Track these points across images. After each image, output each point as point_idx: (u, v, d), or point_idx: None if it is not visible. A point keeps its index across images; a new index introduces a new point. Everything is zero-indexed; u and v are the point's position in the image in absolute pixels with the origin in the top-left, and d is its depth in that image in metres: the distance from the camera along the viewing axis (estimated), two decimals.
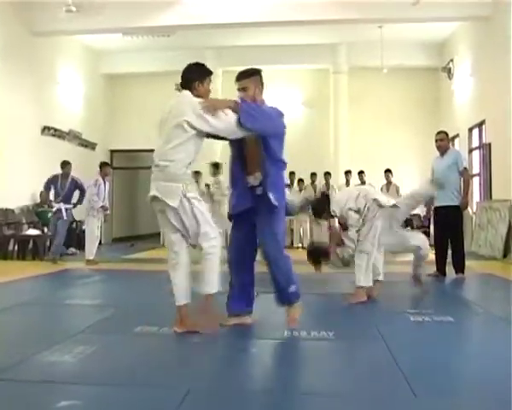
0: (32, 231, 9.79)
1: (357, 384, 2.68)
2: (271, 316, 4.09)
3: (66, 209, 8.96)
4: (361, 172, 12.14)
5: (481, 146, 11.00)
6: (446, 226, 6.79)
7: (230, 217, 4.02)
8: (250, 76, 3.99)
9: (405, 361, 2.97)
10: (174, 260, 3.67)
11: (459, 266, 6.75)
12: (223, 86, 13.97)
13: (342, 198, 5.24)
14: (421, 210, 13.12)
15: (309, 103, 14.37)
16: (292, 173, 13.08)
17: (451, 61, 12.68)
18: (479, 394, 2.56)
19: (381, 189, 11.96)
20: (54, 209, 8.83)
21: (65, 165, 9.07)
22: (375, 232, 4.98)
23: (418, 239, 5.37)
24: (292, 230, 12.90)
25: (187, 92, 3.68)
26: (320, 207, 5.34)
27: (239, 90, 3.93)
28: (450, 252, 6.91)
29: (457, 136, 12.30)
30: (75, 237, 11.17)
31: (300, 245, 12.69)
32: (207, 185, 11.01)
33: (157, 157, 3.60)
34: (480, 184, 11.12)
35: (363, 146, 13.35)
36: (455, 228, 6.77)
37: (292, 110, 14.37)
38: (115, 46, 13.63)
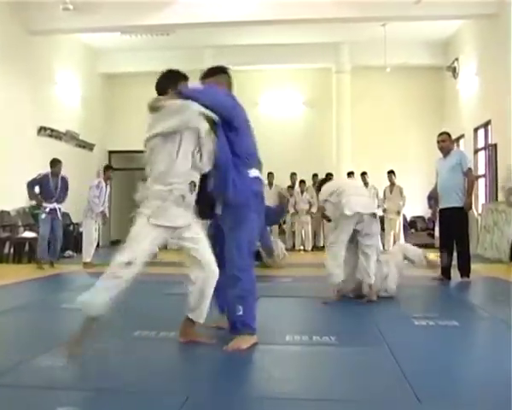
0: (28, 234, 9.60)
1: (360, 390, 2.62)
2: (271, 321, 3.98)
3: (60, 209, 8.80)
4: (364, 174, 11.96)
5: (487, 147, 10.86)
6: (451, 228, 6.68)
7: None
8: (214, 74, 3.67)
9: (409, 366, 2.90)
10: None
11: (464, 270, 6.63)
12: None
13: (326, 189, 5.35)
14: (425, 212, 13.03)
15: (310, 103, 14.20)
16: (293, 174, 12.95)
17: (456, 59, 12.50)
18: (483, 399, 2.49)
19: (385, 191, 11.81)
20: (47, 209, 8.63)
21: (56, 163, 8.78)
22: (339, 233, 5.09)
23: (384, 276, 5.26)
24: (293, 232, 12.75)
25: None
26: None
27: None
28: (455, 255, 6.78)
29: (462, 136, 12.12)
30: (72, 240, 11.00)
31: (302, 248, 12.53)
32: None
33: None
34: (485, 185, 11.00)
35: (366, 146, 13.17)
36: (460, 230, 6.65)
37: (293, 110, 14.26)
38: (113, 45, 13.47)
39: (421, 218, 13.64)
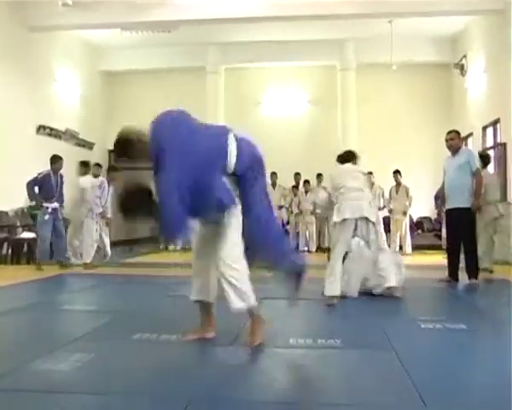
0: (27, 234, 9.44)
1: (365, 394, 2.59)
2: (275, 323, 3.89)
3: (60, 208, 8.69)
4: (369, 173, 11.75)
5: (496, 146, 10.66)
6: (458, 229, 6.55)
7: None
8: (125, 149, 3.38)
9: (416, 370, 2.88)
10: None
11: (472, 272, 6.52)
12: (225, 84, 13.71)
13: (332, 180, 5.74)
14: (432, 213, 12.84)
15: (315, 101, 13.99)
16: (297, 174, 12.76)
17: (464, 56, 12.27)
18: (491, 403, 2.47)
19: (390, 191, 11.63)
20: (49, 210, 8.49)
21: (56, 160, 8.63)
22: (335, 243, 5.34)
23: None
24: (297, 233, 12.58)
25: None
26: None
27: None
28: (462, 257, 6.67)
29: (471, 135, 11.90)
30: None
31: (306, 249, 12.35)
32: None
33: None
34: None
35: (372, 146, 12.93)
36: (467, 231, 6.53)
37: (297, 109, 14.07)
38: (114, 42, 13.26)
39: (428, 218, 13.43)
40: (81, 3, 10.20)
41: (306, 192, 12.46)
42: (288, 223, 12.60)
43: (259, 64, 13.75)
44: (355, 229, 5.22)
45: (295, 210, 12.47)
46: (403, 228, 11.57)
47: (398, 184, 11.55)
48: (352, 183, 5.38)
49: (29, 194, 8.49)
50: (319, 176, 12.49)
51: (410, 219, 12.36)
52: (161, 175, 3.10)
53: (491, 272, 7.13)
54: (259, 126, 13.56)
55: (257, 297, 3.34)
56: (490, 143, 11.16)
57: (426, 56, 12.95)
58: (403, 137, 13.28)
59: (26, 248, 9.43)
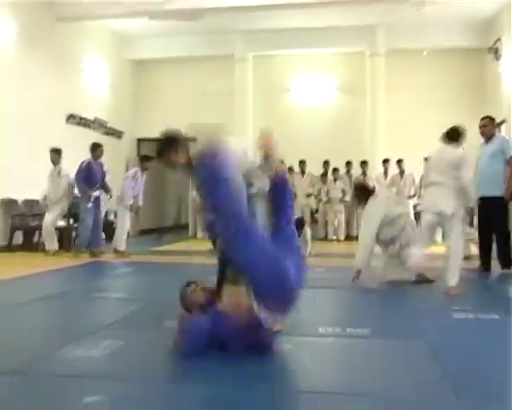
0: (59, 223, 9.58)
1: (395, 385, 2.56)
2: (303, 312, 3.82)
3: (102, 197, 8.87)
4: (399, 161, 11.60)
5: None
6: (491, 218, 6.44)
7: None
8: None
9: (447, 361, 2.86)
10: None
11: (505, 261, 6.44)
12: (253, 72, 13.64)
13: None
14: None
15: (344, 89, 13.80)
16: (326, 162, 12.66)
17: (499, 40, 11.89)
18: None
19: (421, 179, 11.39)
20: (92, 198, 8.63)
21: (97, 147, 8.77)
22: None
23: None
24: (326, 221, 12.50)
25: None
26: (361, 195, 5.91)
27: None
28: (494, 246, 6.56)
29: (504, 122, 11.61)
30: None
31: (335, 238, 12.27)
32: None
33: None
34: None
35: (402, 133, 12.74)
36: (499, 220, 6.42)
37: (326, 96, 13.91)
38: (141, 31, 13.24)
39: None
40: None
41: (335, 180, 12.35)
42: (316, 211, 12.52)
43: (288, 51, 13.63)
44: None
45: (324, 198, 12.38)
46: None
47: (401, 171, 11.41)
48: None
49: (79, 186, 8.62)
50: (348, 164, 12.37)
51: None
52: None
53: None
54: (288, 114, 13.50)
55: None
56: None
57: (458, 41, 12.60)
58: (433, 125, 13.00)
59: (58, 237, 9.55)
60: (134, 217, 9.86)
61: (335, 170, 12.42)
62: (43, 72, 10.45)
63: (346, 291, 5.13)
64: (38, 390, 2.48)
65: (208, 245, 4.86)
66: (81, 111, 11.72)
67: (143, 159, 9.06)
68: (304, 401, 2.40)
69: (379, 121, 12.92)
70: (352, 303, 4.83)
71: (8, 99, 9.43)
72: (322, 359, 3.03)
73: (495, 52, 11.98)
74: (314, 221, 12.53)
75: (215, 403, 2.29)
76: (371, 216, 5.62)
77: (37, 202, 9.51)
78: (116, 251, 8.62)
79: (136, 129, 14.42)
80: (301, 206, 11.66)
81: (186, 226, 14.32)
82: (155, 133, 13.89)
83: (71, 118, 11.34)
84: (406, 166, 11.56)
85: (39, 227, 9.45)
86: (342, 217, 12.27)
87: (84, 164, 8.61)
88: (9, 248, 9.23)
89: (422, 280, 5.52)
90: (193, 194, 11.55)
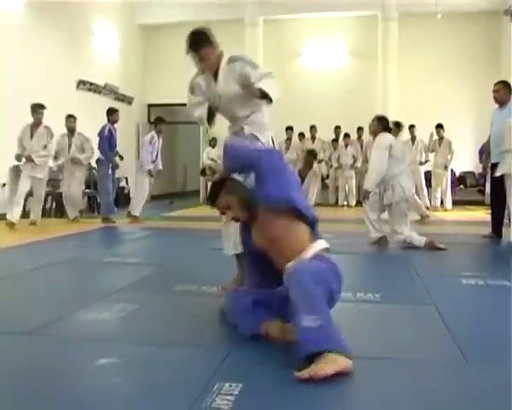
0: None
1: (405, 348, 2.57)
2: None
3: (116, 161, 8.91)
4: (412, 126, 11.47)
5: None
6: (503, 184, 6.32)
7: None
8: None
9: (457, 326, 2.84)
10: None
11: None
12: (264, 36, 13.45)
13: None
14: (475, 167, 12.52)
15: (355, 53, 13.61)
16: (337, 128, 12.57)
17: None
18: None
19: (434, 143, 11.25)
20: (110, 164, 8.68)
21: (113, 112, 8.76)
22: None
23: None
24: (337, 187, 12.47)
25: None
26: None
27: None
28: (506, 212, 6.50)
29: None
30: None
31: (346, 203, 12.26)
32: None
33: None
34: None
35: (414, 98, 12.59)
36: None
37: (337, 61, 13.74)
38: None
39: (472, 173, 13.09)
40: None
41: (346, 146, 12.28)
42: (327, 177, 12.49)
43: (298, 15, 13.41)
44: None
45: (335, 164, 12.33)
46: (444, 183, 11.32)
47: (441, 138, 11.23)
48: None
49: (105, 153, 8.59)
50: (359, 129, 12.26)
51: (453, 173, 12.07)
52: None
53: None
54: (299, 79, 13.36)
55: None
56: None
57: (473, 3, 12.36)
58: (446, 90, 12.85)
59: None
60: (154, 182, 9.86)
61: (346, 135, 12.34)
62: (53, 37, 10.39)
63: (355, 257, 5.14)
64: (52, 352, 2.50)
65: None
66: (91, 77, 11.67)
67: (157, 121, 9.03)
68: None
69: (391, 86, 12.75)
70: (361, 269, 4.83)
71: (18, 66, 9.38)
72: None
73: (511, 15, 11.71)
74: (325, 187, 12.52)
75: (231, 366, 2.30)
76: (382, 143, 5.64)
77: (49, 167, 9.54)
78: (130, 216, 8.63)
79: (147, 95, 14.36)
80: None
81: (194, 193, 14.35)
82: (165, 99, 13.99)
83: (81, 84, 11.30)
84: (418, 131, 11.43)
85: (52, 193, 9.53)
86: (353, 183, 12.24)
87: (105, 130, 8.57)
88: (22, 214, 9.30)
89: (432, 247, 5.50)
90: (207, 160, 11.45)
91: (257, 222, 2.59)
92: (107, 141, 8.55)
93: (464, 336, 2.65)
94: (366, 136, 12.24)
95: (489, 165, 6.73)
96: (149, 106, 14.67)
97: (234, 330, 2.68)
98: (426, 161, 11.36)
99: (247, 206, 2.59)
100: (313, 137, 12.28)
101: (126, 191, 12.31)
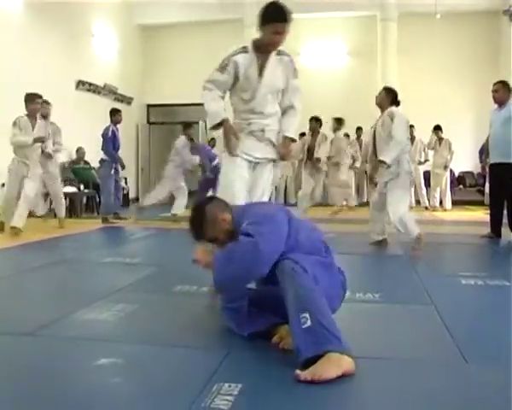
0: (69, 189, 9.63)
1: (404, 348, 2.57)
2: None
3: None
4: (411, 126, 11.43)
5: None
6: (502, 185, 6.38)
7: None
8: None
9: (456, 326, 2.84)
10: None
11: None
12: None
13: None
14: (474, 167, 12.52)
15: (354, 53, 13.63)
16: (336, 128, 12.54)
17: None
18: None
19: (434, 143, 11.26)
20: (113, 164, 8.69)
21: (116, 112, 8.79)
22: None
23: None
24: None
25: None
26: None
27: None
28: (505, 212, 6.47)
29: None
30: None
31: (345, 203, 12.23)
32: None
33: None
34: None
35: (414, 98, 12.57)
36: (511, 187, 6.30)
37: (336, 61, 13.76)
38: None
39: (471, 173, 13.11)
40: None
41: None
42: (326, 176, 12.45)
43: (298, 15, 13.35)
44: None
45: None
46: (443, 183, 11.33)
47: (440, 138, 11.23)
48: None
49: (108, 151, 8.60)
50: (359, 130, 12.26)
51: (452, 173, 12.08)
52: None
53: None
54: (298, 78, 13.33)
55: None
56: None
57: (472, 3, 12.38)
58: (446, 90, 12.87)
59: (67, 202, 9.63)
60: (143, 182, 9.85)
61: (346, 135, 12.31)
62: (52, 38, 10.40)
63: (354, 257, 5.12)
64: (52, 352, 2.50)
65: None
66: (91, 77, 11.68)
67: (186, 126, 9.03)
68: None
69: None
70: (361, 268, 4.82)
71: (17, 66, 9.38)
72: None
73: (510, 15, 11.71)
74: (325, 187, 12.49)
75: (230, 366, 2.30)
76: (404, 118, 5.43)
77: None
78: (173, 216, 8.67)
79: (146, 95, 14.36)
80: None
81: (193, 193, 14.31)
82: (164, 99, 14.00)
83: (80, 84, 11.31)
84: (417, 131, 11.44)
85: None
86: (352, 183, 12.21)
87: (109, 131, 8.58)
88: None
89: (418, 245, 5.15)
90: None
91: None
92: (111, 142, 8.57)
93: (464, 337, 2.65)
94: (365, 136, 12.27)
95: (488, 165, 6.75)
96: (148, 106, 14.68)
97: (233, 331, 2.68)
98: (425, 161, 11.38)
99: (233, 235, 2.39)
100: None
101: (125, 192, 12.30)
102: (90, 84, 11.64)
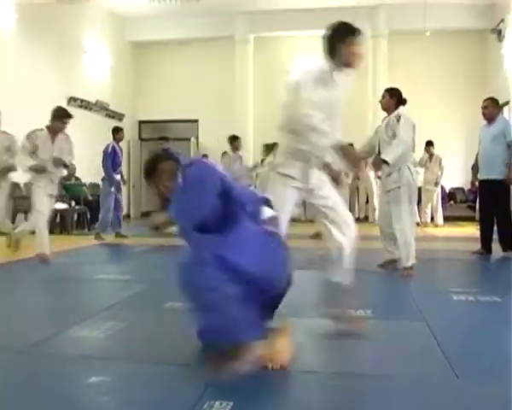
0: (60, 205, 9.57)
1: (396, 365, 2.58)
2: (305, 294, 3.84)
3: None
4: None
5: None
6: (492, 201, 6.41)
7: None
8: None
9: (447, 342, 2.85)
10: None
11: (506, 243, 6.38)
12: (254, 52, 13.55)
13: None
14: (465, 183, 12.59)
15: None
16: None
17: (502, 21, 11.77)
18: None
19: (426, 160, 11.32)
20: (114, 182, 8.67)
21: (119, 130, 8.87)
22: None
23: None
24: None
25: None
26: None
27: None
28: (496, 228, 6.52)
29: (507, 103, 11.54)
30: None
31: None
32: None
33: None
34: None
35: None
36: (501, 203, 6.38)
37: None
38: (142, 12, 13.17)
39: (461, 189, 13.18)
40: None
41: None
42: None
43: (288, 33, 13.53)
44: None
45: None
46: (434, 199, 11.38)
47: (431, 155, 11.31)
48: None
49: (107, 171, 8.60)
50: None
51: (443, 189, 12.15)
52: None
53: None
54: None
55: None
56: None
57: (461, 22, 12.49)
58: (436, 106, 12.97)
59: (58, 219, 9.59)
60: (134, 199, 9.80)
61: None
62: (44, 54, 10.41)
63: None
64: (43, 370, 2.50)
65: None
66: (82, 93, 11.68)
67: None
68: (304, 380, 2.41)
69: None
70: (355, 285, 4.79)
71: (8, 82, 9.36)
72: (324, 340, 3.03)
73: (498, 33, 11.88)
74: None
75: (221, 384, 2.27)
76: (410, 120, 5.34)
77: None
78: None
79: (137, 111, 14.37)
80: None
81: None
82: (156, 115, 13.97)
83: (72, 100, 11.30)
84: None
85: None
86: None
87: (109, 147, 8.63)
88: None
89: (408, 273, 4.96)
90: None
91: None
92: (111, 159, 8.60)
93: (455, 352, 2.65)
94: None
95: (477, 181, 6.77)
96: (140, 122, 14.68)
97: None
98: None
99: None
100: None
101: None
102: (82, 101, 11.64)
